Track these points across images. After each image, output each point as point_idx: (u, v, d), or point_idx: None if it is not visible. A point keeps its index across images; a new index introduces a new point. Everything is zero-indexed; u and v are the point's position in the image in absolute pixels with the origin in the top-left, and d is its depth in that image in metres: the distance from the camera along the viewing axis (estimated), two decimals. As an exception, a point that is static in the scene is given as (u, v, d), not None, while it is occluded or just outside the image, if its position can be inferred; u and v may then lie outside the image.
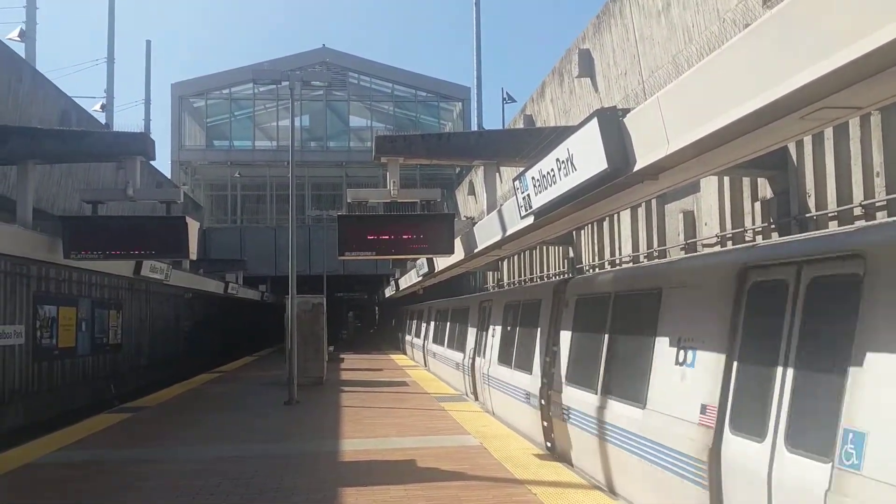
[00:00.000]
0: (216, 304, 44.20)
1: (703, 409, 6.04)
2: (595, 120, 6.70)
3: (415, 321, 33.64)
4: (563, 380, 9.92)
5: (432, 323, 26.57)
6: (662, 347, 7.07)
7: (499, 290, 23.29)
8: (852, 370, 4.50)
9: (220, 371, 27.25)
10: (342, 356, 33.92)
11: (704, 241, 11.77)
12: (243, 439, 11.90)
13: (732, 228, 11.01)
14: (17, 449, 11.16)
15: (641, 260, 14.23)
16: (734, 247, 10.51)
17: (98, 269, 17.25)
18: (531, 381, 11.50)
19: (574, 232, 17.48)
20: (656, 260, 13.25)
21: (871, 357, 4.40)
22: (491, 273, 28.04)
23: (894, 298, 4.33)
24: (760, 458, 5.18)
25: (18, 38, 34.12)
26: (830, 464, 4.50)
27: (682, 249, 12.54)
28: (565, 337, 10.32)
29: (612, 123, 6.59)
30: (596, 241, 16.95)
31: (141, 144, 14.12)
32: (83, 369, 25.23)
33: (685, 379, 6.52)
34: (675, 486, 6.25)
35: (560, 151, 7.79)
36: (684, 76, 5.59)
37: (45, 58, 74.05)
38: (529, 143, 11.27)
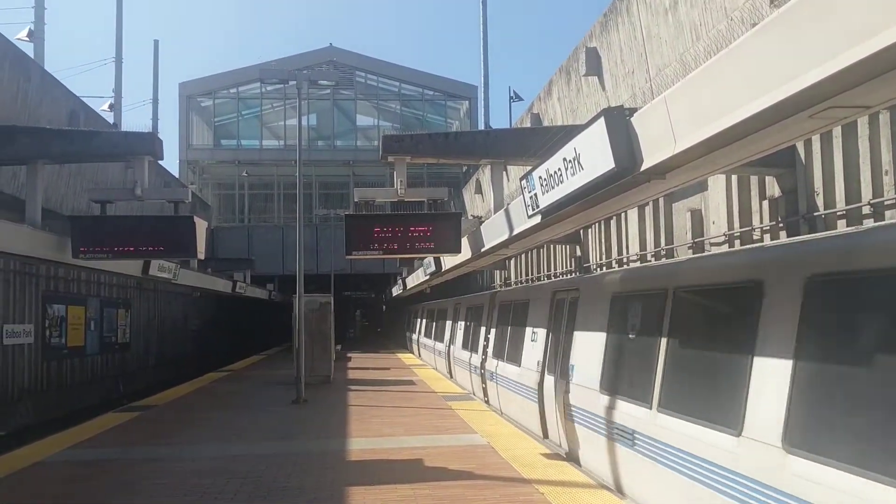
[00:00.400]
0: (224, 303, 44.33)
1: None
2: (602, 119, 6.69)
3: (428, 321, 30.84)
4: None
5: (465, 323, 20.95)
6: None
7: (535, 284, 20.25)
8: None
9: (228, 370, 27.32)
10: (350, 355, 33.96)
11: (712, 240, 11.74)
12: (251, 438, 11.93)
13: (740, 227, 10.98)
14: (27, 447, 11.23)
15: (649, 259, 14.20)
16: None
17: (107, 268, 17.33)
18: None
19: (581, 231, 17.46)
20: (663, 259, 13.22)
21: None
22: (498, 272, 28.02)
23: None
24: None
25: (27, 39, 34.28)
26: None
27: (689, 248, 12.51)
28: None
29: (620, 123, 6.59)
30: (603, 240, 16.92)
31: (149, 144, 14.17)
32: (92, 368, 25.35)
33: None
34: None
35: (567, 151, 7.78)
36: (692, 75, 5.58)
37: (54, 58, 74.45)
38: (536, 142, 11.27)
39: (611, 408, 8.60)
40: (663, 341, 7.56)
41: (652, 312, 8.01)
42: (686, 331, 7.33)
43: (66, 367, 23.20)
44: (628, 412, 8.07)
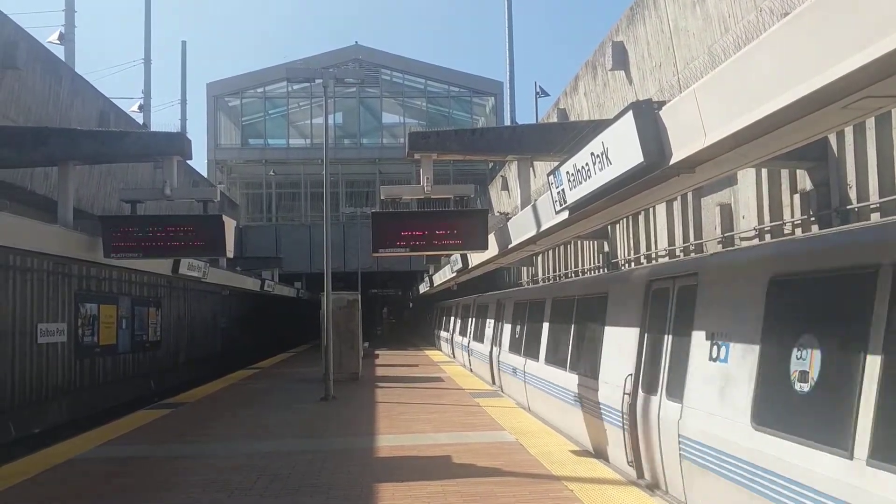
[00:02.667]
0: (253, 301, 44.68)
1: None
2: (630, 113, 6.63)
3: (463, 318, 27.69)
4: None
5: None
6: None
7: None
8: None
9: (257, 367, 27.53)
10: (377, 352, 34.04)
11: (742, 235, 11.61)
12: (280, 435, 12.01)
13: (771, 221, 10.84)
14: (60, 444, 11.39)
15: (678, 254, 14.07)
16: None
17: (137, 267, 17.52)
18: None
19: (609, 226, 17.35)
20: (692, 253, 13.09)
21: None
22: (525, 268, 27.95)
23: None
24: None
25: (58, 41, 34.71)
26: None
27: (719, 243, 12.38)
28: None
29: (648, 116, 6.52)
30: (631, 236, 16.81)
31: (178, 144, 14.28)
32: (124, 366, 25.67)
33: None
34: None
35: (595, 145, 7.72)
36: (721, 67, 5.50)
37: (84, 60, 75.44)
38: (563, 137, 11.20)
39: (778, 456, 5.46)
40: (878, 349, 4.67)
41: (853, 303, 5.11)
42: None
43: (99, 365, 23.52)
44: (820, 468, 4.98)
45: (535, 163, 16.05)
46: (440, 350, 35.52)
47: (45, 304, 19.89)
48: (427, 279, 36.80)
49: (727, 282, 7.16)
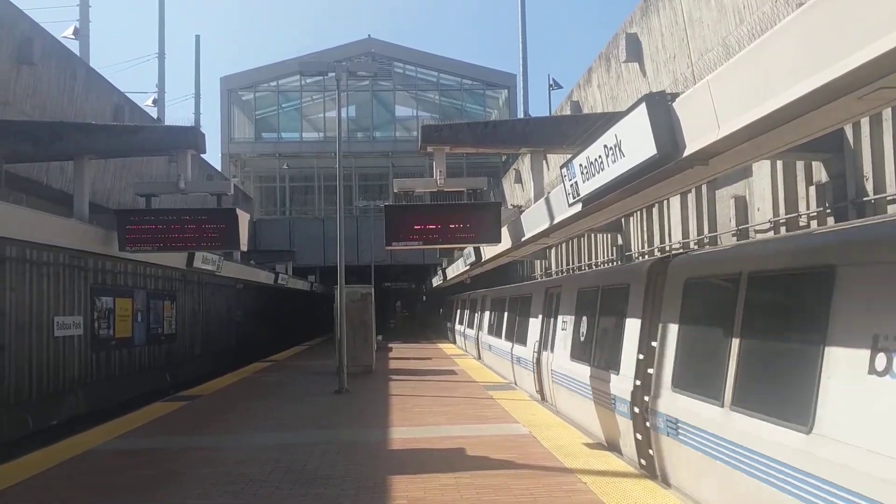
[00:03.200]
0: (267, 294, 44.86)
1: None
2: (643, 105, 6.59)
3: (483, 313, 25.58)
4: None
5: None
6: None
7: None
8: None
9: (272, 360, 27.66)
10: (390, 345, 34.14)
11: (757, 227, 11.54)
12: (294, 427, 12.07)
13: (786, 213, 10.77)
14: (78, 436, 11.50)
15: (692, 247, 14.01)
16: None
17: (152, 260, 17.64)
18: None
19: (623, 219, 17.29)
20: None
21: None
22: (539, 261, 27.92)
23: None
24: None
25: (73, 37, 34.93)
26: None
27: (733, 236, 12.31)
28: None
29: (661, 108, 6.48)
30: (645, 228, 16.75)
31: (192, 138, 14.34)
32: (139, 359, 25.86)
33: None
34: None
35: (608, 138, 7.69)
36: (736, 58, 5.46)
37: (99, 55, 75.79)
38: (576, 129, 11.16)
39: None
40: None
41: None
42: None
43: (115, 357, 23.70)
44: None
45: (548, 155, 16.01)
46: (454, 343, 35.56)
47: (61, 297, 20.05)
48: (440, 272, 36.82)
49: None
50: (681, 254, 9.81)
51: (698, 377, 7.32)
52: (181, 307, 30.75)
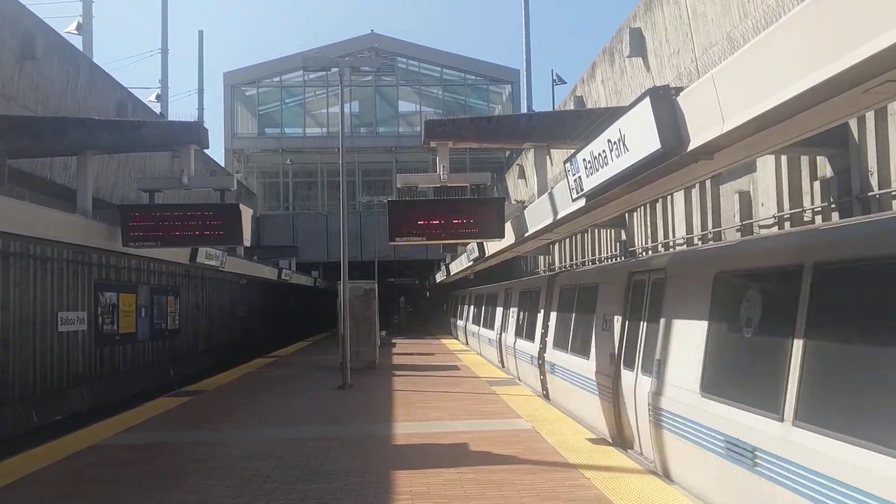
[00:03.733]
0: (270, 290, 44.92)
1: None
2: (647, 99, 6.58)
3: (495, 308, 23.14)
4: None
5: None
6: None
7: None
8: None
9: (275, 356, 27.70)
10: (394, 341, 34.17)
11: (761, 223, 11.51)
12: (298, 422, 12.08)
13: (790, 209, 10.74)
14: (82, 431, 11.52)
15: (696, 242, 13.98)
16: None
17: (156, 256, 17.65)
18: None
19: (626, 214, 17.26)
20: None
21: None
22: (542, 257, 27.90)
23: None
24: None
25: (76, 32, 34.90)
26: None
27: (737, 231, 12.28)
28: None
29: (665, 102, 6.46)
30: (649, 224, 16.72)
31: (195, 133, 14.33)
32: (143, 354, 25.90)
33: None
34: None
35: (612, 132, 7.67)
36: (740, 52, 5.44)
37: (102, 50, 75.76)
38: (580, 124, 11.13)
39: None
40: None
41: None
42: None
43: (119, 353, 23.74)
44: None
45: (551, 150, 15.94)
46: (457, 339, 35.57)
47: (65, 292, 20.08)
48: (444, 268, 36.82)
49: None
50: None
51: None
52: (185, 302, 30.79)
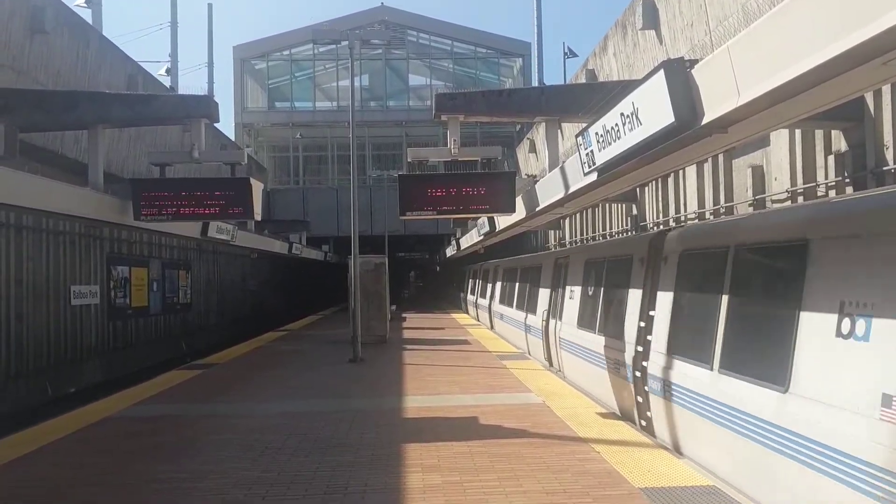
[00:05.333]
0: (281, 264, 45.05)
1: None
2: (661, 72, 6.50)
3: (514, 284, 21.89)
4: None
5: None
6: None
7: None
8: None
9: (286, 330, 27.84)
10: (404, 315, 34.27)
11: (774, 197, 11.43)
12: (309, 395, 12.16)
13: (804, 183, 10.65)
14: (96, 403, 11.63)
15: (707, 217, 13.90)
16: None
17: (167, 230, 17.71)
18: None
19: (638, 189, 17.17)
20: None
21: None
22: (553, 232, 27.84)
23: None
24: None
25: (85, 5, 34.81)
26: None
27: (750, 206, 12.20)
28: None
29: (680, 75, 6.39)
30: (660, 198, 16.63)
31: (205, 107, 14.32)
32: (155, 328, 26.09)
33: None
34: None
35: (624, 105, 7.60)
36: (757, 23, 5.36)
37: (111, 23, 75.51)
38: (592, 98, 11.04)
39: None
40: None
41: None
42: None
43: (131, 326, 23.92)
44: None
45: (563, 124, 15.87)
46: (467, 314, 35.64)
47: (77, 266, 20.20)
48: (454, 242, 36.81)
49: None
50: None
51: None
52: (196, 276, 30.93)
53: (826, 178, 10.23)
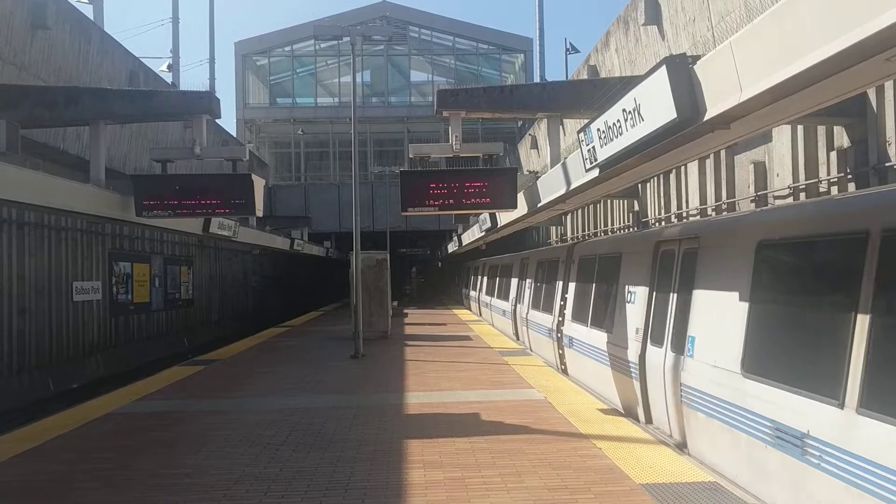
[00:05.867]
0: (283, 260, 45.09)
1: None
2: (664, 68, 6.50)
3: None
4: None
5: None
6: None
7: None
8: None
9: (288, 326, 27.85)
10: (406, 311, 34.28)
11: (776, 193, 11.42)
12: (311, 391, 12.17)
13: (806, 179, 10.64)
14: (98, 399, 11.64)
15: (709, 213, 13.90)
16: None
17: (169, 226, 17.72)
18: None
19: (640, 185, 17.16)
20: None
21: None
22: (554, 228, 27.83)
23: None
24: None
25: (86, 1, 34.77)
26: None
27: (752, 202, 12.19)
28: None
29: (682, 71, 6.38)
30: (662, 194, 16.62)
31: (206, 103, 14.32)
32: (157, 324, 26.12)
33: None
34: None
35: (626, 102, 7.60)
36: (759, 19, 5.35)
37: (113, 19, 75.47)
38: (594, 94, 11.04)
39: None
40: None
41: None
42: None
43: (133, 322, 23.96)
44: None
45: (564, 120, 15.86)
46: (469, 310, 35.65)
47: (79, 262, 20.22)
48: (456, 238, 36.81)
49: None
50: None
51: None
52: (198, 272, 30.96)
53: (828, 174, 10.21)
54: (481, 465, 7.25)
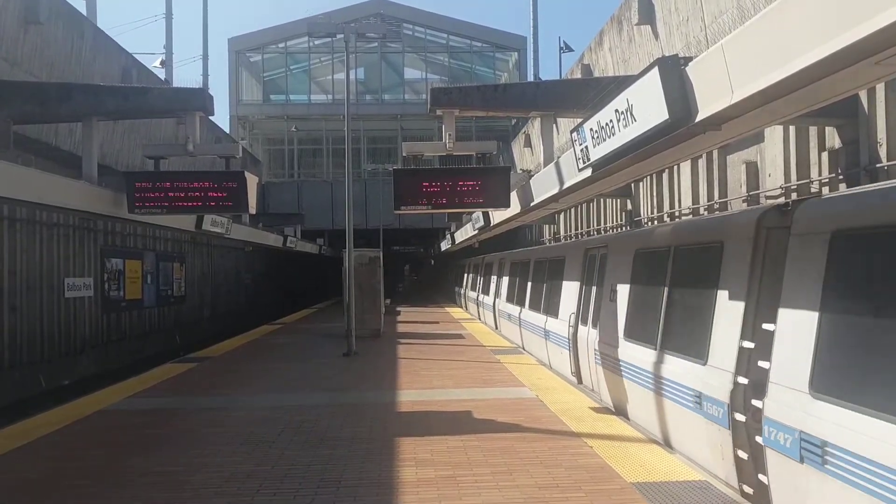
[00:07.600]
0: (275, 257, 45.03)
1: None
2: (656, 69, 6.53)
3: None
4: None
5: None
6: None
7: None
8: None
9: (280, 323, 27.84)
10: (399, 309, 34.29)
11: (768, 193, 11.47)
12: (303, 389, 12.18)
13: (798, 180, 10.70)
14: (90, 396, 11.63)
15: (702, 212, 13.95)
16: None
17: (161, 223, 17.68)
18: None
19: (633, 184, 17.21)
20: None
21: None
22: (547, 226, 27.88)
23: None
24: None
25: (79, -4, 34.60)
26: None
27: (744, 201, 12.24)
28: None
29: (674, 72, 6.42)
30: (655, 194, 16.67)
31: (200, 100, 14.29)
32: (150, 320, 26.06)
33: None
34: None
35: (619, 102, 7.63)
36: (751, 21, 5.38)
37: (106, 15, 75.16)
38: (587, 93, 11.07)
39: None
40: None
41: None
42: None
43: (125, 319, 23.90)
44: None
45: (558, 119, 15.92)
46: (462, 308, 35.69)
47: (71, 258, 20.16)
48: (449, 236, 36.83)
49: None
50: None
51: None
52: (191, 269, 30.89)
53: (820, 174, 10.27)
54: (473, 463, 7.28)
